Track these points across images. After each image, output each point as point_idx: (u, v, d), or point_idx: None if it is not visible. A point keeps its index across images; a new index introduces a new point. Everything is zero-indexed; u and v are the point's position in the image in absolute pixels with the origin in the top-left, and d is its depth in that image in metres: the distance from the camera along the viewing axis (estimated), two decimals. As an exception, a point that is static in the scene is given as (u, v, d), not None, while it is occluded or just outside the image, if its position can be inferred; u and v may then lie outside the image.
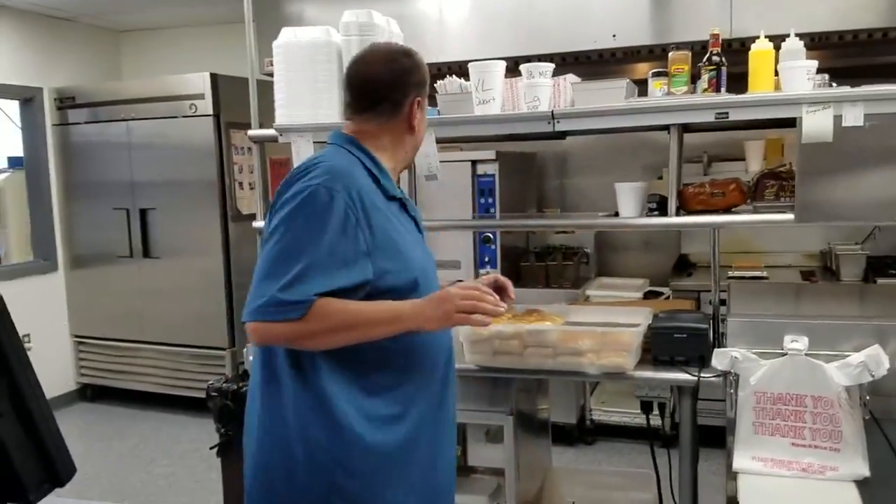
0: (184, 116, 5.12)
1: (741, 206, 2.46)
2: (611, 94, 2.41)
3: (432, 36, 3.62)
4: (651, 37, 3.43)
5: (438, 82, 2.67)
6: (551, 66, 2.44)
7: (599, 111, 2.33)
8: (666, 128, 2.41)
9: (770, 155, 4.24)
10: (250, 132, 2.79)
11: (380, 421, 1.68)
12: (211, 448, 2.89)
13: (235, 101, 4.90)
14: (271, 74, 2.85)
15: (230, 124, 5.10)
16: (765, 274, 4.21)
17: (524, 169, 4.76)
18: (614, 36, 3.41)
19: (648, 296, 4.37)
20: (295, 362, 1.66)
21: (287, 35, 2.70)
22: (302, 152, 2.67)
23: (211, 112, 5.04)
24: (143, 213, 5.34)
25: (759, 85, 2.35)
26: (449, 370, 1.85)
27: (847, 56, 3.35)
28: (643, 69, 3.54)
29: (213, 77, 5.02)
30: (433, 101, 2.64)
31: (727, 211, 2.45)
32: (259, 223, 2.79)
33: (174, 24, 5.91)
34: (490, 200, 4.12)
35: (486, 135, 2.63)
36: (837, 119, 2.12)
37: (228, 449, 2.92)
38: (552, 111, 2.35)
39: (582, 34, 3.44)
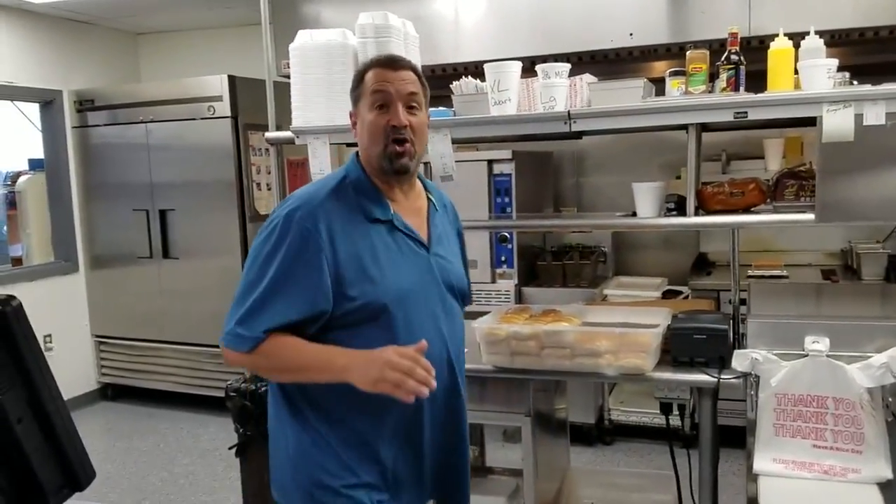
0: (202, 118, 5.14)
1: (761, 206, 2.43)
2: (628, 93, 2.39)
3: (447, 36, 3.61)
4: (668, 35, 3.39)
5: (454, 83, 2.66)
6: (567, 66, 2.42)
7: (616, 111, 2.32)
8: (684, 127, 2.39)
9: (789, 153, 4.19)
10: (267, 134, 2.80)
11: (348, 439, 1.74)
12: (230, 448, 2.90)
13: (253, 102, 4.94)
14: (289, 76, 2.86)
15: (248, 126, 5.12)
16: (785, 273, 4.17)
17: (540, 168, 4.75)
18: (631, 35, 3.38)
19: (667, 295, 4.34)
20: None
21: (303, 37, 2.70)
22: (318, 154, 2.68)
23: (229, 114, 5.06)
24: (163, 214, 5.38)
25: (779, 84, 2.32)
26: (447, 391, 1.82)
27: (868, 53, 3.30)
28: (661, 68, 3.51)
29: (231, 79, 5.04)
30: (445, 103, 2.65)
31: (746, 210, 2.43)
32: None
33: (191, 27, 5.94)
34: (506, 200, 4.11)
35: (503, 135, 2.62)
36: (858, 118, 2.10)
37: (247, 449, 2.94)
38: (568, 111, 2.34)
39: (599, 33, 3.41)
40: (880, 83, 2.13)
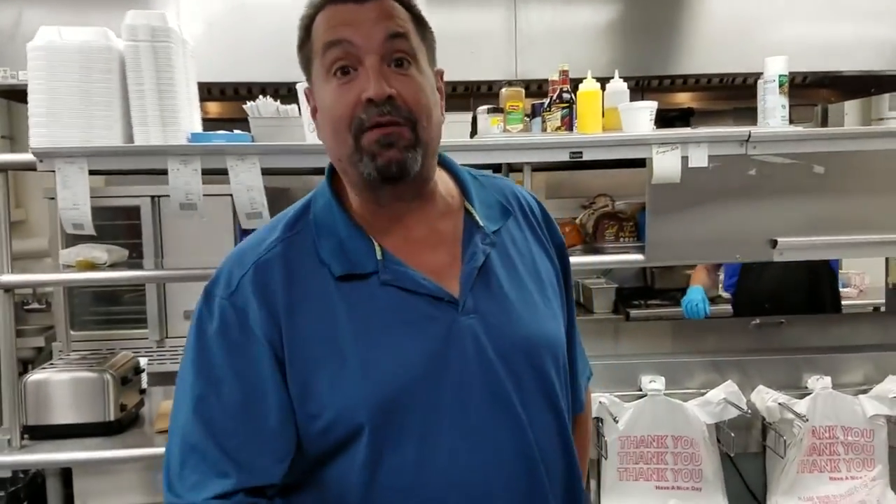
0: None
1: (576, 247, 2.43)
2: (456, 128, 2.23)
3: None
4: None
5: (249, 104, 2.26)
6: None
7: (455, 146, 2.13)
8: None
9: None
10: (-5, 156, 2.12)
11: None
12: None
13: None
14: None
15: None
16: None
17: (283, 204, 4.37)
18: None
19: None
20: None
21: (48, 35, 2.12)
22: (72, 184, 2.09)
23: None
24: None
25: (587, 125, 2.33)
26: None
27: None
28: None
29: None
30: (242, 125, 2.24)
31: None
32: (5, 277, 2.12)
33: None
34: (255, 240, 3.67)
35: (305, 167, 2.29)
36: (684, 160, 2.16)
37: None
38: (404, 143, 2.09)
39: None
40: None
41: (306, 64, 1.08)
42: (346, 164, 1.03)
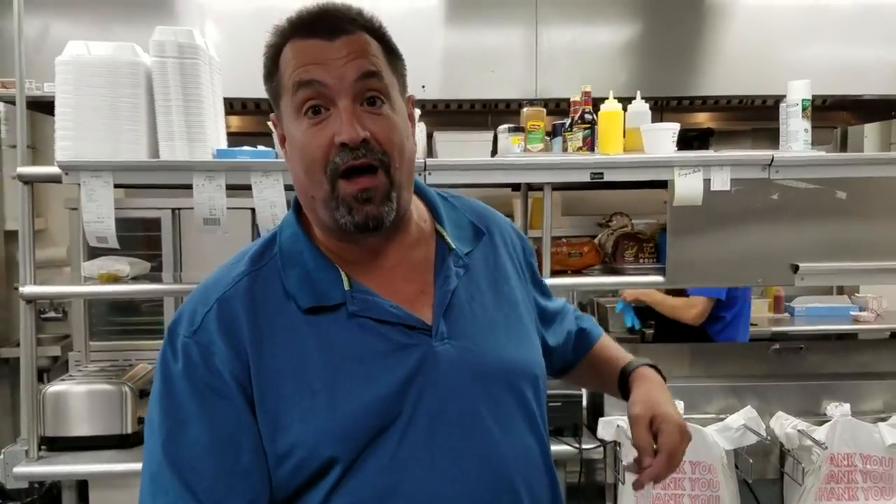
0: None
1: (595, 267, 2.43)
2: (478, 146, 2.26)
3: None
4: (456, 92, 3.33)
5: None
6: (416, 111, 2.20)
7: (479, 165, 2.15)
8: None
9: (535, 213, 4.39)
10: (20, 169, 2.14)
11: None
12: None
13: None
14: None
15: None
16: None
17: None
18: (424, 87, 3.26)
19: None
20: None
21: (77, 50, 2.14)
22: (97, 198, 2.11)
23: None
24: None
25: (609, 146, 2.34)
26: None
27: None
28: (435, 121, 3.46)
29: None
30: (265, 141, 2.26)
31: (578, 272, 2.41)
32: (28, 288, 2.13)
33: None
34: (274, 253, 3.69)
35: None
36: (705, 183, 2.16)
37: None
38: (425, 161, 2.11)
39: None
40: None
41: (274, 96, 1.04)
42: (320, 206, 1.00)
